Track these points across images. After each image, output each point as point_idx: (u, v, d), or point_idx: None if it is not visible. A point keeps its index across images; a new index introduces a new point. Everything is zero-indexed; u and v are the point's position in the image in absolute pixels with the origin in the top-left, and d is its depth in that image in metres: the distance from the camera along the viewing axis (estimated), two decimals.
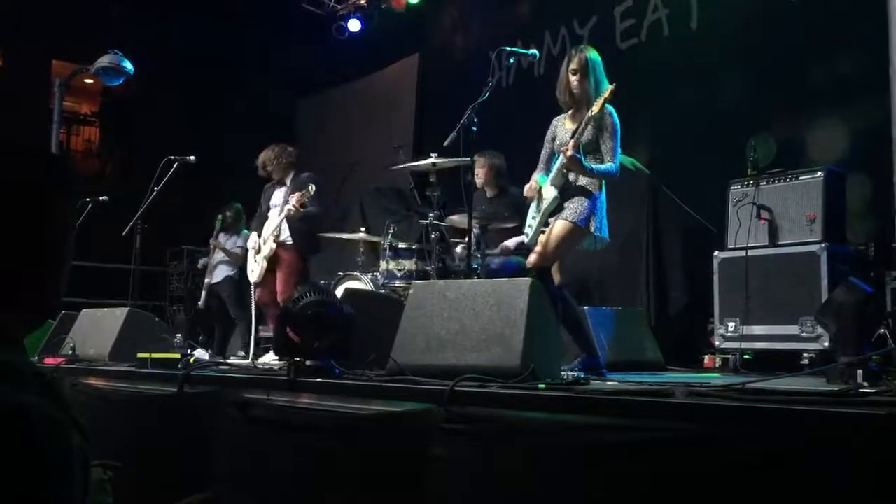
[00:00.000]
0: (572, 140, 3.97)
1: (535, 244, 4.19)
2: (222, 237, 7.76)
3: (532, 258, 4.16)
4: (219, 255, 7.68)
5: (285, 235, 5.81)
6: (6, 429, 0.93)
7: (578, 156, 3.93)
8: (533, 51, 4.38)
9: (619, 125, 4.06)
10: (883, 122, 4.78)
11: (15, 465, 0.92)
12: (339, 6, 10.07)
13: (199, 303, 7.84)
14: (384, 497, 2.70)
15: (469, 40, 8.62)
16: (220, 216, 7.76)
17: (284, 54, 10.57)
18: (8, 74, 11.11)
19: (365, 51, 9.94)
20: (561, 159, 4.06)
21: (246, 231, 7.36)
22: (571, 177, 4.10)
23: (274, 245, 5.77)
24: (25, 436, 0.93)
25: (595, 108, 3.94)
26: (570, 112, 4.21)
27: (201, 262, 8.30)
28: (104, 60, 5.34)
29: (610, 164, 4.02)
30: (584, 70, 4.07)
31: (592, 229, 4.04)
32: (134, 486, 2.24)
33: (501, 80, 7.44)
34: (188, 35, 10.66)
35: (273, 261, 5.80)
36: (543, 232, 4.16)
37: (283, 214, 5.72)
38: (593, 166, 4.00)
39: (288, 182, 5.98)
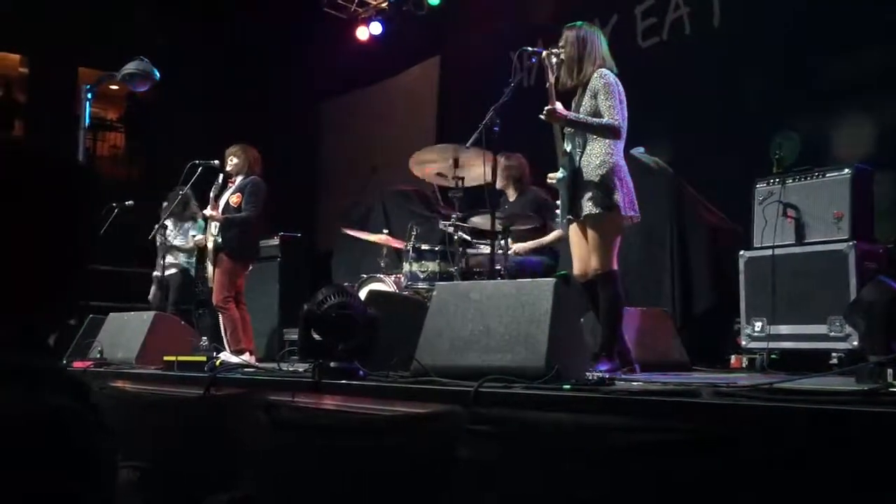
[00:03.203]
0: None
1: (566, 231, 4.18)
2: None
3: (578, 271, 4.11)
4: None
5: (220, 239, 5.75)
6: (36, 432, 0.94)
7: (557, 109, 3.91)
8: (542, 52, 4.35)
9: (614, 84, 3.97)
10: None
11: (45, 468, 0.93)
12: (360, 9, 10.11)
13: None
14: (409, 498, 2.70)
15: (490, 41, 8.61)
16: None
17: (306, 58, 10.63)
18: (34, 82, 11.28)
19: (386, 53, 9.97)
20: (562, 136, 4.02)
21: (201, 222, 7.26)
22: (579, 161, 4.03)
23: (212, 247, 5.76)
24: (55, 439, 0.95)
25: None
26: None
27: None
28: (131, 66, 5.37)
29: (609, 119, 3.93)
30: (568, 44, 4.09)
31: (620, 211, 3.92)
32: (161, 487, 2.26)
33: (523, 81, 7.43)
34: (211, 40, 10.76)
35: (215, 264, 5.78)
36: (570, 219, 4.11)
37: (207, 213, 5.71)
38: (580, 116, 3.94)
39: (237, 182, 5.96)
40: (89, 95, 5.97)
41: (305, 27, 10.55)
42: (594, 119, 3.95)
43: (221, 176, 5.87)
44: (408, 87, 10.06)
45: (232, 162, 5.95)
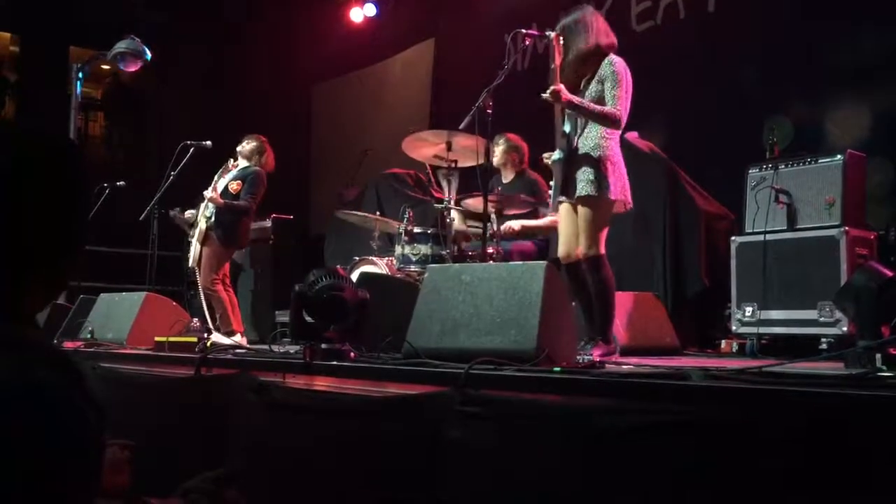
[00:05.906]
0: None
1: (555, 212, 4.15)
2: None
3: (562, 252, 4.06)
4: None
5: (213, 221, 5.73)
6: (21, 405, 0.94)
7: (563, 90, 3.82)
8: (549, 33, 4.33)
9: (623, 73, 3.90)
10: None
11: (29, 442, 0.93)
12: None
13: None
14: (399, 479, 2.71)
15: (484, 24, 8.56)
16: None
17: (299, 39, 10.56)
18: (25, 61, 11.18)
19: (380, 35, 9.92)
20: (557, 112, 3.96)
21: None
22: (576, 142, 3.98)
23: (204, 227, 5.73)
24: (40, 412, 0.95)
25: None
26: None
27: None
28: (121, 46, 5.36)
29: (611, 108, 3.87)
30: (566, 30, 4.02)
31: (611, 195, 3.87)
32: (151, 467, 2.26)
33: (517, 64, 7.39)
34: (202, 20, 10.67)
35: (204, 244, 5.75)
36: (561, 201, 4.09)
37: (207, 195, 5.69)
38: (583, 101, 3.86)
39: (238, 166, 5.93)
40: (80, 75, 5.94)
41: (298, 8, 10.47)
42: (596, 106, 3.87)
43: (231, 161, 5.86)
44: (402, 69, 10.01)
45: (245, 147, 5.93)
